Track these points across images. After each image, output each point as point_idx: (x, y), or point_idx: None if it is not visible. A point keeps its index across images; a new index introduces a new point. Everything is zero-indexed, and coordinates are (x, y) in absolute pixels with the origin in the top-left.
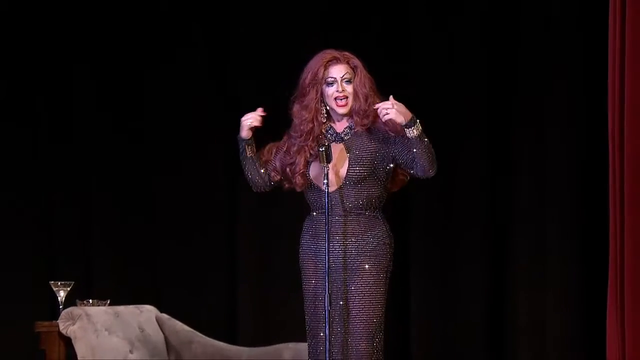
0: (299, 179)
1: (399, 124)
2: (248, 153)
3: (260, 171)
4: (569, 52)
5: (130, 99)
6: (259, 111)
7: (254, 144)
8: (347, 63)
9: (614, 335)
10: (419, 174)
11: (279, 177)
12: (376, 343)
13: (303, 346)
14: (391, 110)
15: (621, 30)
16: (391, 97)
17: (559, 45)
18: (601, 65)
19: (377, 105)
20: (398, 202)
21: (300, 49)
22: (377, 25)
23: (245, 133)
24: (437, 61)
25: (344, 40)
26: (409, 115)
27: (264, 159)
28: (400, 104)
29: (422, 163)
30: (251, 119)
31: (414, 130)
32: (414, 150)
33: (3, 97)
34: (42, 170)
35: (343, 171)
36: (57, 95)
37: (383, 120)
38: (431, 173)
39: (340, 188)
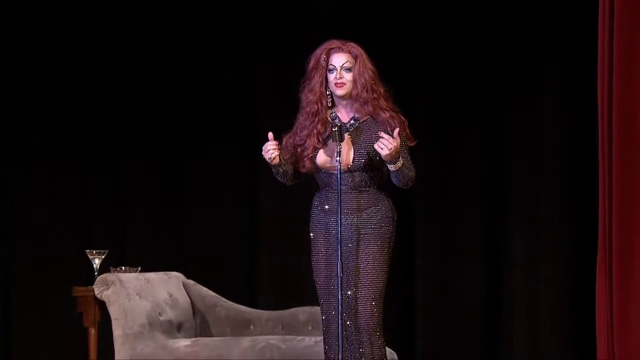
0: (307, 163)
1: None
2: (282, 169)
3: (294, 172)
4: (559, 51)
5: (167, 91)
6: (270, 136)
7: (283, 160)
8: (349, 52)
9: (602, 311)
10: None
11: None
12: (376, 304)
13: (316, 309)
14: (385, 149)
15: (610, 27)
16: (396, 134)
17: (548, 44)
18: (591, 62)
19: (378, 143)
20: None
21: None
22: (389, 26)
23: (275, 162)
24: (437, 62)
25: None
26: (394, 157)
27: (287, 157)
28: (396, 144)
29: (394, 179)
30: (271, 152)
31: (392, 166)
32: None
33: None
34: (86, 149)
35: (349, 158)
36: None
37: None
38: (404, 188)
39: (346, 171)
